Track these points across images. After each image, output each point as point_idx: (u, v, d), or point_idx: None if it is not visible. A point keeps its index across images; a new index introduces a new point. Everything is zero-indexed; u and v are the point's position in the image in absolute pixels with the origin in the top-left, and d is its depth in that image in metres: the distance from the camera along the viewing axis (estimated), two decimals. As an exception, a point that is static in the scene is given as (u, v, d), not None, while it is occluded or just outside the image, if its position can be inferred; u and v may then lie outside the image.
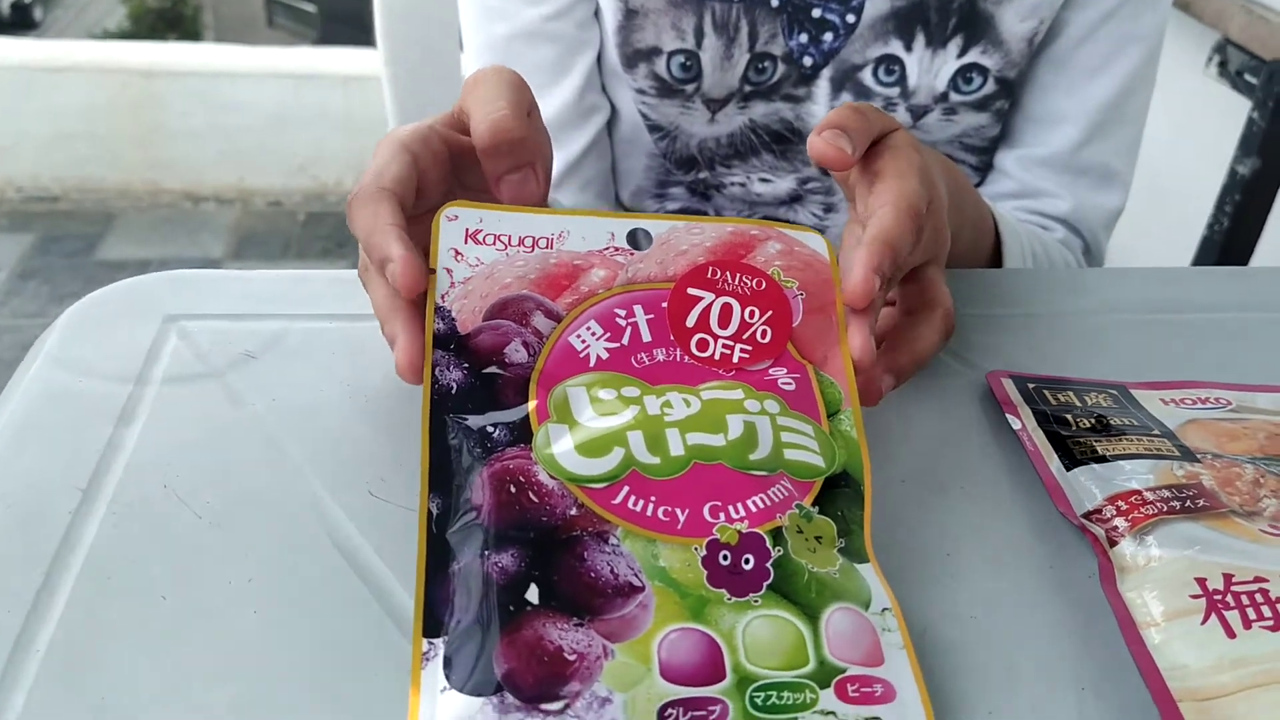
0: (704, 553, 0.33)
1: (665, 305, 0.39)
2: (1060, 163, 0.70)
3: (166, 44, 2.51)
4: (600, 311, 0.39)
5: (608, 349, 0.38)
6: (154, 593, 0.34)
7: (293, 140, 2.50)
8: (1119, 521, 0.37)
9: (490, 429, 0.35)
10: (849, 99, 0.68)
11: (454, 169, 0.44)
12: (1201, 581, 0.34)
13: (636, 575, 0.32)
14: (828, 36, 0.66)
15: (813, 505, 0.35)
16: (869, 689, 0.31)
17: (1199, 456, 0.40)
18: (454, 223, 0.39)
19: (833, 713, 0.30)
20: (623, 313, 0.39)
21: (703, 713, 0.30)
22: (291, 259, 2.32)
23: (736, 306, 0.39)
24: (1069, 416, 0.43)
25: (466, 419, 0.36)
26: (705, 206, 0.75)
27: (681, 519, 0.33)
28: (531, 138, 0.42)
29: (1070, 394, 0.45)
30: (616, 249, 0.40)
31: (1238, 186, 1.44)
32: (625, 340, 0.38)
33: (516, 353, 0.37)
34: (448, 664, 0.30)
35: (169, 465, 0.39)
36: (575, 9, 0.67)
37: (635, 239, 0.41)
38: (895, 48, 0.66)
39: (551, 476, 0.34)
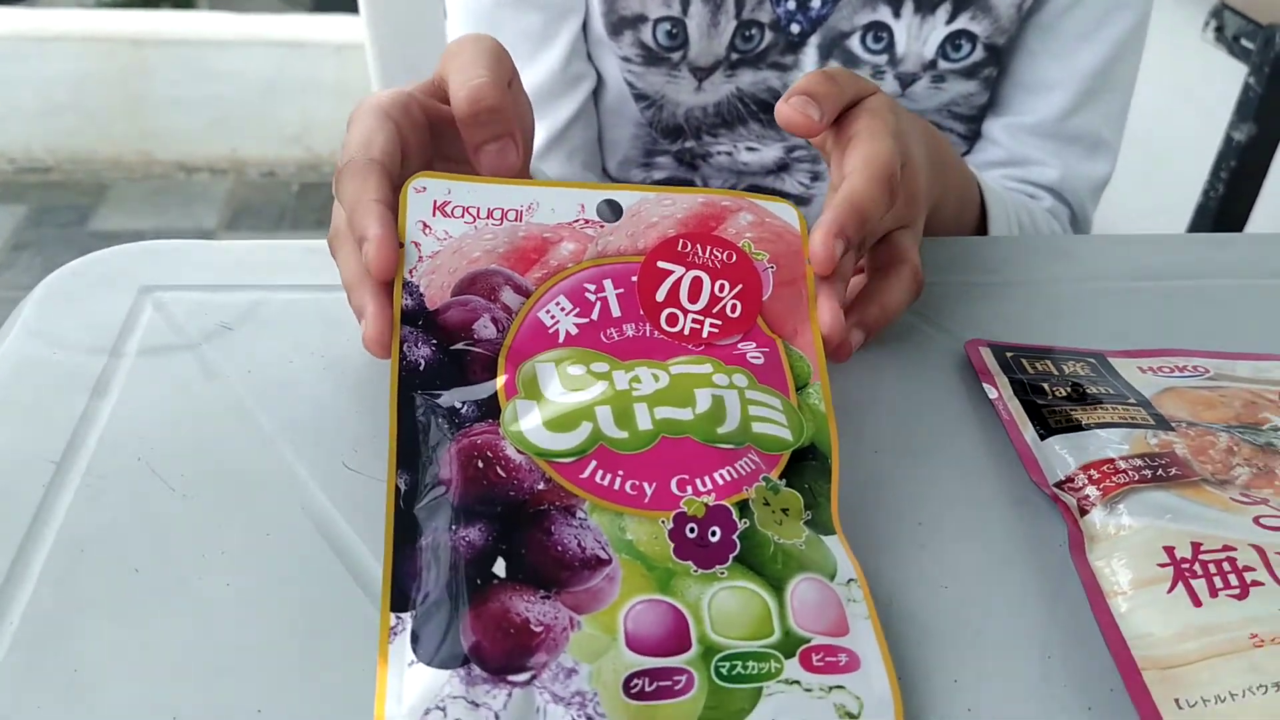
0: (671, 525, 0.33)
1: (635, 280, 0.39)
2: (1048, 130, 0.70)
3: (157, 13, 2.49)
4: (570, 286, 0.38)
5: (577, 324, 0.38)
6: (128, 565, 0.34)
7: (285, 110, 2.48)
8: (1090, 490, 0.37)
9: (458, 405, 0.35)
10: (838, 66, 0.67)
11: (434, 138, 0.44)
12: (1169, 550, 0.34)
13: (603, 548, 0.32)
14: (815, 3, 0.66)
15: (780, 478, 0.35)
16: (833, 658, 0.31)
17: (1174, 425, 0.40)
18: (421, 195, 0.39)
19: (797, 682, 0.30)
20: (592, 287, 0.39)
21: (668, 683, 0.30)
22: (286, 230, 2.31)
23: (707, 280, 0.39)
24: (1045, 385, 0.43)
25: (435, 395, 0.36)
26: (692, 176, 0.74)
27: (649, 492, 0.34)
28: (510, 107, 0.42)
29: (1048, 363, 0.45)
30: (586, 221, 0.40)
31: (1233, 152, 1.43)
32: (595, 315, 0.38)
33: (485, 329, 0.37)
34: (415, 638, 0.30)
35: (144, 437, 0.39)
36: None
37: (605, 210, 0.40)
38: (884, 14, 0.66)
39: (519, 451, 0.34)
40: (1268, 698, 0.30)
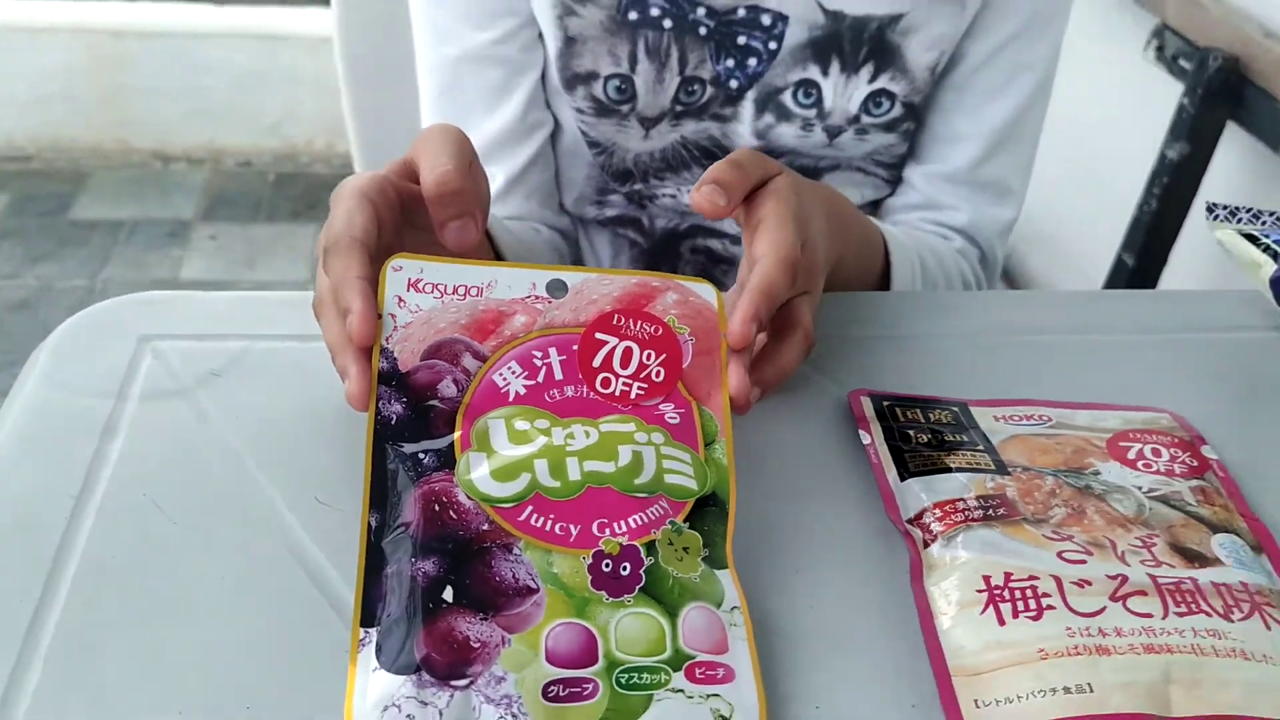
0: (590, 561, 0.41)
1: (576, 348, 0.47)
2: (960, 178, 0.77)
3: (138, 4, 2.52)
4: (520, 353, 0.46)
5: (525, 386, 0.45)
6: (142, 588, 0.42)
7: (263, 100, 2.53)
8: (935, 526, 0.45)
9: (422, 455, 0.43)
10: (771, 119, 0.75)
11: (404, 212, 0.51)
12: (987, 579, 0.42)
13: (533, 579, 0.40)
14: (751, 62, 0.73)
15: (684, 521, 0.43)
16: (713, 672, 0.39)
17: (1010, 470, 0.48)
18: (399, 273, 0.47)
19: (681, 690, 0.38)
20: (539, 354, 0.46)
21: (578, 689, 0.37)
22: (262, 221, 2.36)
23: (636, 350, 0.47)
24: (911, 432, 0.51)
25: (403, 446, 0.43)
26: (641, 214, 0.82)
27: (574, 533, 0.41)
28: (471, 190, 0.50)
29: (917, 411, 0.53)
30: (537, 297, 0.48)
31: (1166, 170, 1.50)
32: (540, 378, 0.46)
33: (448, 389, 0.45)
34: (379, 649, 0.38)
35: (148, 476, 0.46)
36: (520, 34, 0.73)
37: (553, 288, 0.48)
38: (813, 73, 0.73)
39: (469, 497, 0.42)
40: (1045, 700, 0.38)
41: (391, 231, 0.51)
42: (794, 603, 0.43)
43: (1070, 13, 0.75)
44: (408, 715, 0.36)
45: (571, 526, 0.42)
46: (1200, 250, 1.51)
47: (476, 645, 0.38)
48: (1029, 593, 0.42)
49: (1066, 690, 0.38)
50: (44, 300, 2.03)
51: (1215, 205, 0.60)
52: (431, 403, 0.44)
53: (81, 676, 0.38)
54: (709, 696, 0.38)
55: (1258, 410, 0.54)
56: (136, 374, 0.52)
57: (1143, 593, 0.41)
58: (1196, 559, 0.44)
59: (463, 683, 0.37)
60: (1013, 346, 0.58)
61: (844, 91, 0.73)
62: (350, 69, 0.96)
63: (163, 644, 0.40)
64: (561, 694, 0.37)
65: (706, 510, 0.44)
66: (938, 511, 0.46)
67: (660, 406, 0.46)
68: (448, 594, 0.39)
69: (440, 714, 0.36)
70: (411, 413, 0.44)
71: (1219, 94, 1.39)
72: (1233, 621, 0.41)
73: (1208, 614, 0.41)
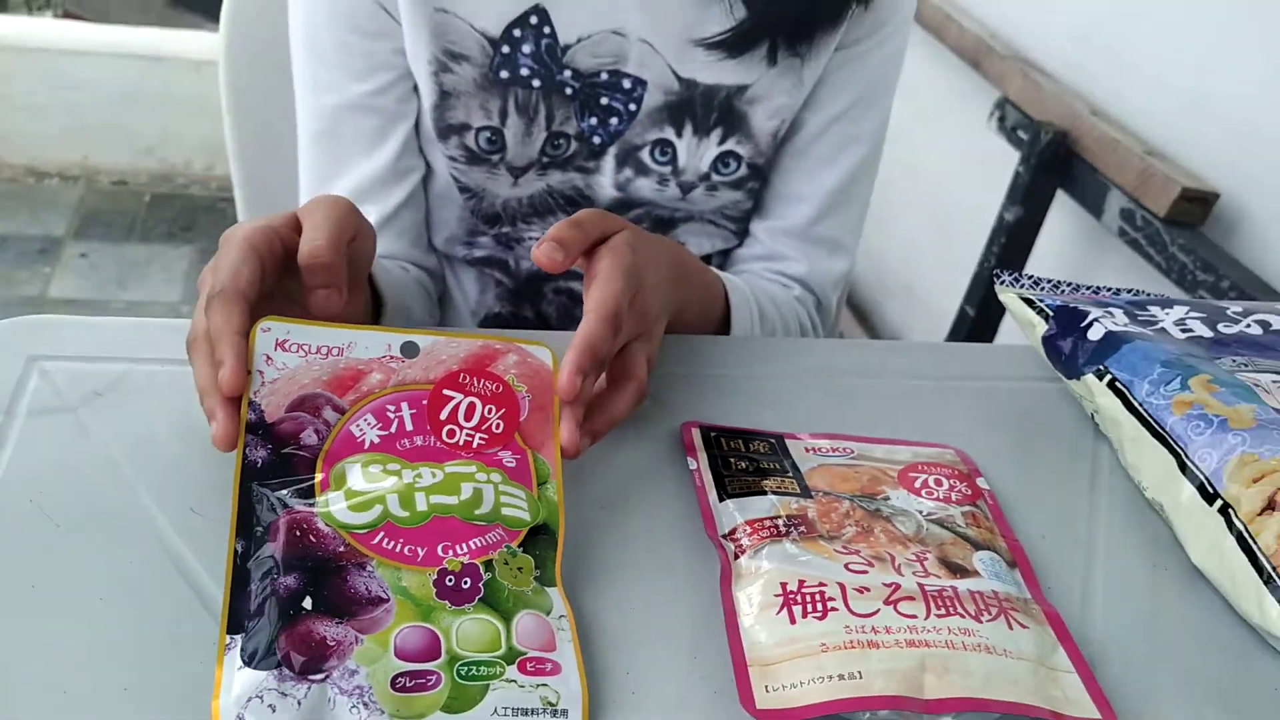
0: (435, 577, 0.46)
1: (425, 403, 0.53)
2: (798, 233, 0.86)
3: (16, 18, 2.48)
4: (375, 406, 0.52)
5: (379, 435, 0.51)
6: (27, 583, 0.46)
7: (141, 121, 2.51)
8: (745, 540, 0.52)
9: (285, 494, 0.48)
10: (631, 173, 0.82)
11: (286, 261, 0.56)
12: (784, 585, 0.49)
13: (384, 591, 0.45)
14: (613, 120, 0.80)
15: (519, 546, 0.49)
16: (542, 666, 0.45)
17: (813, 494, 0.56)
18: (267, 333, 0.52)
19: (514, 680, 0.44)
20: (393, 408, 0.52)
21: (423, 680, 0.43)
22: (135, 240, 2.34)
23: (479, 404, 0.53)
24: (733, 460, 0.58)
25: (267, 487, 0.48)
26: (508, 255, 0.88)
27: (420, 554, 0.47)
28: (340, 265, 0.55)
29: (740, 441, 0.60)
30: (392, 357, 0.54)
31: (1004, 230, 1.64)
32: (393, 429, 0.52)
33: (309, 437, 0.50)
34: (243, 650, 0.43)
35: (34, 483, 0.50)
36: (396, 87, 0.79)
37: (406, 349, 0.54)
38: (668, 133, 0.80)
39: (327, 525, 0.47)
40: (821, 685, 0.45)
41: (273, 278, 0.55)
42: (618, 605, 0.50)
43: (896, 92, 0.85)
44: (269, 705, 0.41)
45: (419, 549, 0.47)
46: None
47: (332, 644, 0.43)
48: (817, 597, 0.49)
49: (840, 677, 0.45)
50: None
51: (1001, 271, 0.69)
52: (294, 450, 0.50)
53: (-34, 664, 0.42)
54: (538, 686, 0.44)
55: (1028, 449, 0.63)
56: (24, 392, 0.55)
57: (911, 598, 0.49)
58: (959, 571, 0.51)
59: (319, 677, 0.42)
60: (827, 388, 0.66)
61: (696, 151, 0.81)
62: (233, 94, 0.98)
63: (48, 634, 0.44)
64: (408, 685, 0.43)
65: (539, 538, 0.50)
66: (748, 528, 0.53)
67: (499, 453, 0.52)
68: (307, 603, 0.44)
69: (299, 703, 0.41)
70: (276, 458, 0.50)
71: (1050, 164, 1.53)
72: (982, 622, 0.48)
73: (962, 616, 0.49)
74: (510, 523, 0.49)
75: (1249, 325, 0.64)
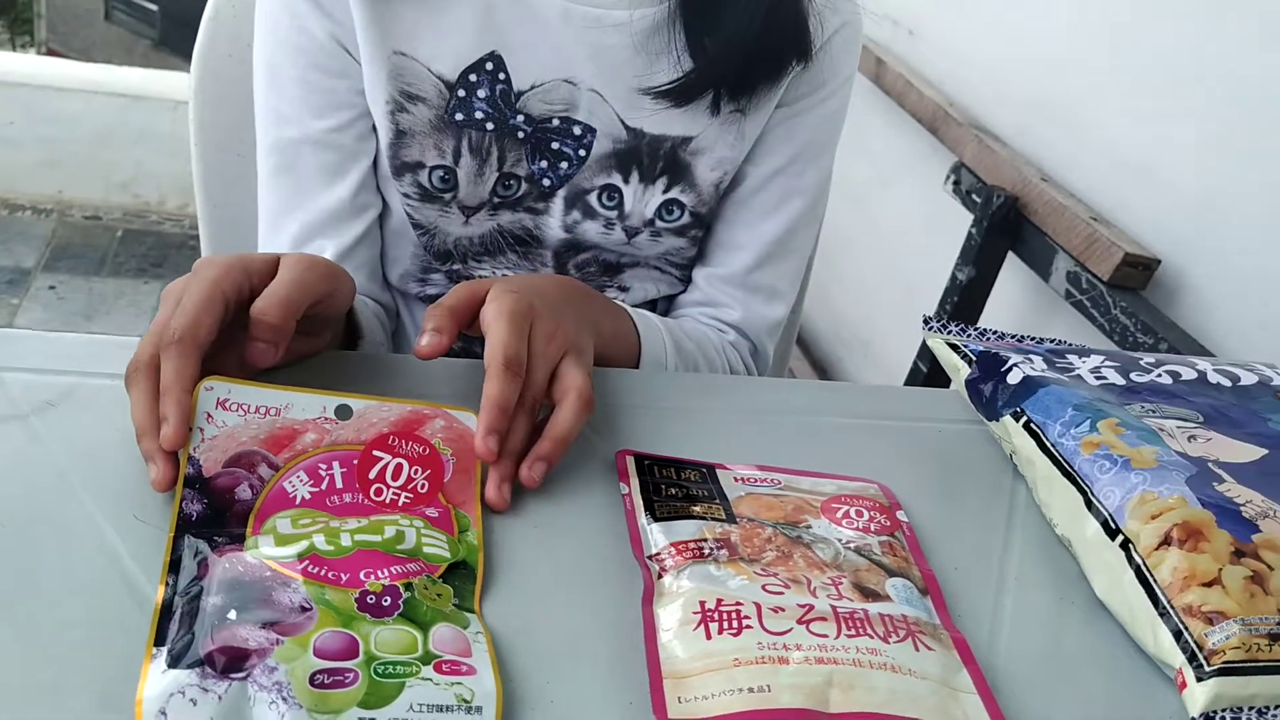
0: (357, 596, 0.48)
1: (356, 463, 0.56)
2: (736, 281, 0.89)
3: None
4: (308, 465, 0.55)
5: (311, 492, 0.54)
6: (-39, 581, 0.47)
7: (117, 157, 2.54)
8: (669, 561, 0.55)
9: (217, 539, 0.51)
10: (578, 215, 0.85)
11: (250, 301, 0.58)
12: (702, 603, 0.51)
13: (307, 603, 0.47)
14: (563, 164, 0.83)
15: (439, 578, 0.51)
16: (457, 668, 0.47)
17: (738, 520, 0.58)
18: (210, 392, 0.56)
19: (430, 679, 0.46)
20: (324, 466, 0.55)
21: (340, 677, 0.45)
22: (106, 275, 2.35)
23: (406, 465, 0.56)
24: (663, 486, 0.60)
25: (201, 537, 0.51)
26: (460, 291, 0.90)
27: (344, 578, 0.49)
28: (285, 328, 0.57)
29: (672, 470, 0.62)
30: (326, 419, 0.57)
31: (957, 289, 1.68)
32: (324, 486, 0.55)
33: (244, 492, 0.53)
34: (169, 653, 0.45)
35: (-22, 487, 0.52)
36: (355, 125, 0.81)
37: (340, 412, 0.57)
38: (616, 179, 0.84)
39: (255, 558, 0.49)
40: (731, 697, 0.47)
41: (234, 316, 0.58)
42: (542, 619, 0.52)
43: (837, 149, 0.88)
44: (190, 700, 0.43)
45: (342, 574, 0.50)
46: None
47: (254, 646, 0.45)
48: (733, 615, 0.51)
49: (750, 690, 0.47)
50: None
51: (929, 318, 0.72)
52: (229, 503, 0.53)
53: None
54: (453, 684, 0.46)
55: (949, 487, 0.66)
56: (-24, 399, 0.57)
57: (824, 618, 0.51)
58: (872, 595, 0.54)
59: (240, 675, 0.44)
60: (760, 423, 0.69)
61: (642, 198, 0.84)
62: (201, 130, 1.00)
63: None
64: (326, 681, 0.44)
65: (458, 573, 0.52)
66: (673, 549, 0.55)
67: (425, 509, 0.55)
68: (231, 614, 0.46)
69: (219, 698, 0.43)
70: (210, 511, 0.52)
71: (1001, 227, 1.57)
72: (890, 643, 0.51)
73: (871, 636, 0.51)
74: (431, 559, 0.52)
75: (1160, 375, 0.67)
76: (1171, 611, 0.52)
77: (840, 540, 0.58)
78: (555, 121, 0.80)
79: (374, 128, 0.82)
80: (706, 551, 0.55)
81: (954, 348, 0.70)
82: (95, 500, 0.53)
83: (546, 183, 0.83)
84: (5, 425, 0.56)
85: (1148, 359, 0.69)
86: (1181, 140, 1.33)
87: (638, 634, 0.51)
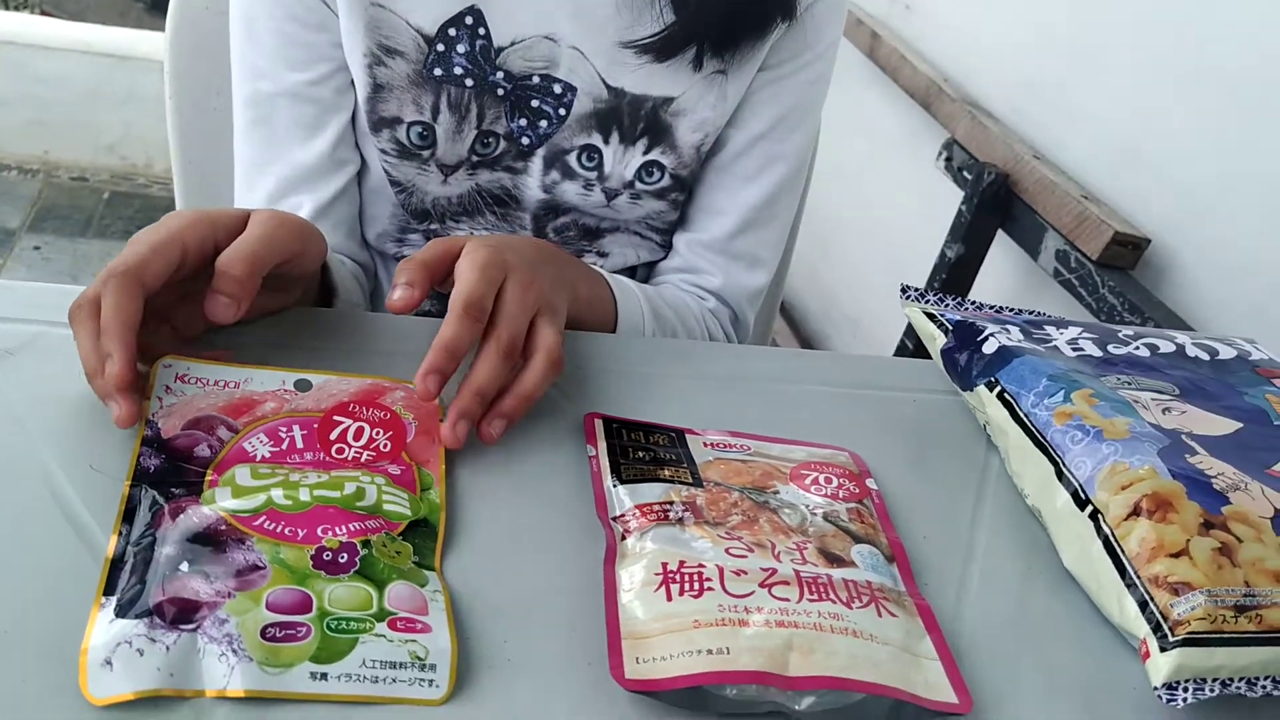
0: (313, 552, 0.48)
1: (316, 426, 0.55)
2: (717, 247, 0.88)
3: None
4: (268, 427, 0.55)
5: (271, 451, 0.53)
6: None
7: (104, 118, 2.51)
8: (633, 523, 0.54)
9: (174, 490, 0.50)
10: (557, 175, 0.84)
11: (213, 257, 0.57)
12: (664, 565, 0.51)
13: (261, 560, 0.47)
14: (543, 123, 0.82)
15: (399, 536, 0.50)
16: (412, 625, 0.46)
17: (705, 484, 0.57)
18: (168, 369, 0.56)
19: (384, 635, 0.45)
20: (285, 429, 0.55)
21: (293, 631, 0.44)
22: (91, 237, 2.33)
23: (367, 428, 0.56)
24: (631, 449, 0.60)
25: (156, 489, 0.50)
26: (439, 252, 0.89)
27: (301, 534, 0.48)
28: (249, 285, 0.56)
29: (640, 433, 0.61)
30: (286, 391, 0.56)
31: (946, 266, 1.67)
32: (284, 446, 0.54)
33: (202, 451, 0.52)
34: (118, 604, 0.44)
35: (-69, 434, 0.51)
36: (333, 78, 0.80)
37: (300, 385, 0.57)
38: (595, 140, 0.82)
39: (211, 510, 0.48)
40: (689, 659, 0.46)
41: (192, 271, 0.57)
42: (503, 578, 0.51)
43: (821, 115, 0.87)
44: (137, 650, 0.42)
45: (299, 529, 0.49)
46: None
47: (204, 598, 0.44)
48: (695, 577, 0.50)
49: (708, 652, 0.47)
50: None
51: (908, 287, 0.72)
52: (187, 459, 0.52)
53: None
54: (407, 641, 0.45)
55: (921, 456, 0.65)
56: (-67, 346, 0.56)
57: (786, 582, 0.51)
58: (836, 561, 0.53)
59: (191, 626, 0.43)
60: (733, 390, 0.68)
61: (621, 159, 0.83)
62: (178, 86, 0.98)
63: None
64: (278, 635, 0.44)
65: (419, 530, 0.52)
66: (637, 512, 0.55)
67: (388, 468, 0.54)
68: (184, 566, 0.45)
69: (167, 649, 0.42)
70: (168, 466, 0.51)
71: (991, 204, 1.56)
72: (852, 609, 0.50)
73: (833, 601, 0.50)
74: (391, 516, 0.51)
75: (1138, 348, 0.67)
76: (1138, 582, 0.52)
77: (808, 506, 0.57)
78: (535, 79, 0.79)
79: (353, 82, 0.80)
80: (671, 514, 0.54)
81: (930, 316, 0.70)
82: (51, 449, 0.52)
83: (525, 141, 0.82)
84: (-39, 373, 0.55)
85: (1126, 331, 0.69)
86: (1174, 121, 1.32)
87: (599, 595, 0.51)
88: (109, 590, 0.45)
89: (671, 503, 0.55)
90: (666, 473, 0.58)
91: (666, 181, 0.84)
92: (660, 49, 0.77)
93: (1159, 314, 1.25)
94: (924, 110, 1.82)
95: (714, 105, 0.81)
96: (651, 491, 0.56)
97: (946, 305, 0.71)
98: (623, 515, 0.55)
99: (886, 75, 1.95)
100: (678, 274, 0.89)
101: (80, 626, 0.43)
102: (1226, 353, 0.68)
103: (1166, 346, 0.68)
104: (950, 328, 0.68)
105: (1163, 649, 0.49)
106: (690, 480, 0.57)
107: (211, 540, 0.47)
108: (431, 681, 0.44)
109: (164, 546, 0.46)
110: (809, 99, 0.85)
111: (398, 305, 0.58)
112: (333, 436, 0.55)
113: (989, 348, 0.66)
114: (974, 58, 1.79)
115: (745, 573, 0.51)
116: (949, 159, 1.73)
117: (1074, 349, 0.66)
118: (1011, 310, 0.71)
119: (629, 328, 0.79)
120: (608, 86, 0.80)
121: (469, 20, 0.76)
